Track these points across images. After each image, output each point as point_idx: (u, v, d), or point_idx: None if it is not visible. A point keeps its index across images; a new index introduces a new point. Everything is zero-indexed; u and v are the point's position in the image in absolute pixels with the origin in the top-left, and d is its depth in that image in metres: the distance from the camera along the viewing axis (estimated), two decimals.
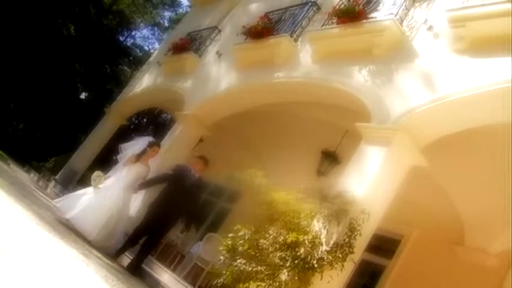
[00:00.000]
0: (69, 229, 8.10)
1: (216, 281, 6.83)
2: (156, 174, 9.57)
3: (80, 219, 8.49)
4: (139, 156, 9.54)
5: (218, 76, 13.15)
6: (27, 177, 18.04)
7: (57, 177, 18.36)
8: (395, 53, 8.72)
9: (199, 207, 10.08)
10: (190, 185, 9.14)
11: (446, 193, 10.01)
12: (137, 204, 9.43)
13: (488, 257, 9.67)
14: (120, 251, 8.98)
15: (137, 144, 9.93)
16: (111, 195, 8.90)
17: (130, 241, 9.05)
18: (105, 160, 20.00)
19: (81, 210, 8.60)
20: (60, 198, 9.68)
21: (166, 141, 12.83)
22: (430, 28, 8.42)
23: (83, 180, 17.93)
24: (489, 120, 7.51)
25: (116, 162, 10.15)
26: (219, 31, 14.95)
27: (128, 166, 9.43)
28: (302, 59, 10.52)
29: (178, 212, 9.09)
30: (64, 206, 8.96)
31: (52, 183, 17.85)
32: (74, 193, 9.64)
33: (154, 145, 9.87)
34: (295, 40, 10.96)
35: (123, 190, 9.07)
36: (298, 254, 6.45)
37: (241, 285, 6.47)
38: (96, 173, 9.27)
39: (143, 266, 9.38)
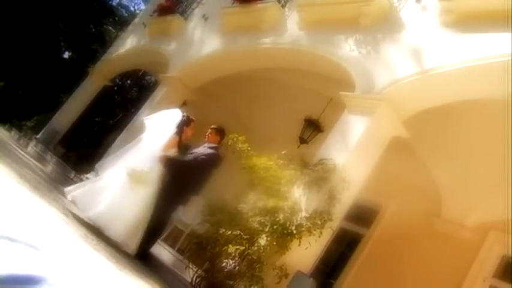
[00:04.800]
0: (50, 188, 8.04)
1: (195, 243, 6.89)
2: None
3: (105, 219, 6.69)
4: (180, 138, 7.54)
5: (203, 40, 13.02)
6: (8, 136, 17.88)
7: (38, 136, 18.23)
8: (383, 24, 8.70)
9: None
10: (189, 166, 7.47)
11: (425, 165, 10.13)
12: None
13: (464, 230, 9.82)
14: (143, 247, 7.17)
15: (166, 121, 7.59)
16: (144, 196, 6.89)
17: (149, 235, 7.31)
18: (88, 121, 19.97)
19: (106, 209, 6.74)
20: (73, 187, 7.37)
21: (150, 104, 12.81)
22: (418, 0, 8.40)
23: (64, 141, 17.93)
24: (472, 95, 7.58)
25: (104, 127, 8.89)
26: None
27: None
28: (289, 26, 10.45)
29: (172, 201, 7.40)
30: (82, 201, 6.97)
31: (33, 142, 17.74)
32: (92, 184, 7.36)
33: (192, 122, 7.82)
34: (283, 6, 10.87)
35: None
36: (277, 219, 6.50)
37: (220, 248, 6.54)
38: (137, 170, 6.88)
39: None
